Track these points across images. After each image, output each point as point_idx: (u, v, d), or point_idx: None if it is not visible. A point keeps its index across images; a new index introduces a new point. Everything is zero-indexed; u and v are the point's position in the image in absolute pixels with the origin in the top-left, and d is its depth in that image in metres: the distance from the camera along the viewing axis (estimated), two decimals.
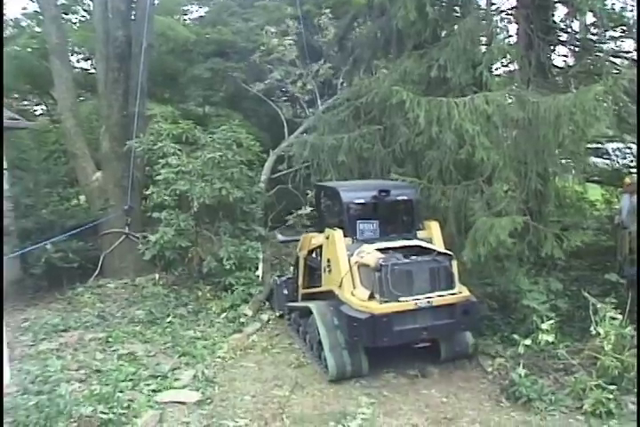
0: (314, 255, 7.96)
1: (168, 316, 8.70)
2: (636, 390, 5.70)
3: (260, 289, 9.32)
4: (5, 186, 10.01)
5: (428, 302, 6.12)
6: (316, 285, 7.72)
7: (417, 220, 7.14)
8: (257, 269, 9.64)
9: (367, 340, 6.17)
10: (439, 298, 6.19)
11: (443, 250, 6.59)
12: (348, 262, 6.53)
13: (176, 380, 6.53)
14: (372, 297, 6.11)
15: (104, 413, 5.51)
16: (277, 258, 11.57)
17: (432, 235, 7.02)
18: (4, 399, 5.56)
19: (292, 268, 9.46)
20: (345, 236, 6.78)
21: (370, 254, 6.39)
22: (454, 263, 6.41)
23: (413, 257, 6.36)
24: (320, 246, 7.45)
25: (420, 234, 7.05)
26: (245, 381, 6.64)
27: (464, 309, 6.28)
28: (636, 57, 8.67)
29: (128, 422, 5.53)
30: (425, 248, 6.57)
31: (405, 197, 7.16)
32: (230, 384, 6.53)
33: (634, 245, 7.78)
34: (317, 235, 7.69)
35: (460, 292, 6.35)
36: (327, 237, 7.02)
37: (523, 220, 6.82)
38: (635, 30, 8.45)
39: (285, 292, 8.84)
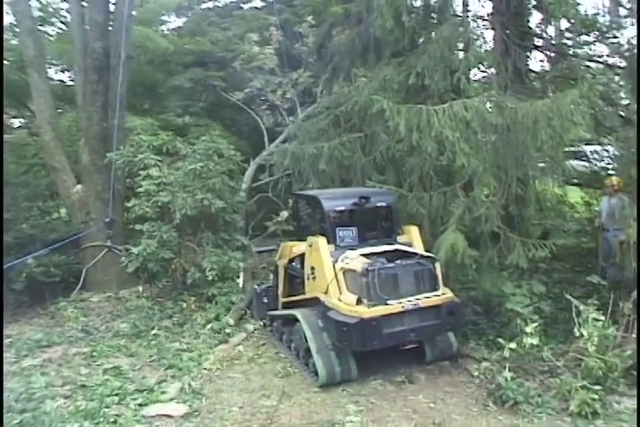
0: (294, 264, 7.96)
1: (153, 328, 8.61)
2: (623, 389, 5.79)
3: (241, 297, 9.26)
4: None
5: (415, 304, 6.19)
6: (297, 293, 7.72)
7: (396, 225, 7.25)
8: (238, 277, 9.61)
9: (357, 344, 6.17)
10: (425, 300, 6.27)
11: (425, 253, 6.68)
12: (333, 269, 6.56)
13: (162, 393, 6.46)
14: (359, 302, 6.15)
15: None
16: (256, 267, 11.48)
17: (412, 239, 7.13)
18: None
19: (272, 276, 9.43)
20: (327, 243, 6.82)
21: (355, 260, 6.44)
22: (438, 265, 6.52)
23: (398, 261, 6.41)
24: (302, 255, 7.45)
25: (401, 238, 7.15)
26: (232, 392, 6.59)
27: (449, 309, 6.38)
28: (609, 62, 8.85)
29: None
30: (407, 252, 6.64)
31: (384, 204, 7.25)
32: (217, 396, 6.49)
33: (625, 249, 7.81)
34: (298, 243, 7.68)
35: (445, 293, 6.45)
36: (310, 245, 7.03)
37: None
38: (607, 35, 8.62)
39: (265, 300, 8.81)
